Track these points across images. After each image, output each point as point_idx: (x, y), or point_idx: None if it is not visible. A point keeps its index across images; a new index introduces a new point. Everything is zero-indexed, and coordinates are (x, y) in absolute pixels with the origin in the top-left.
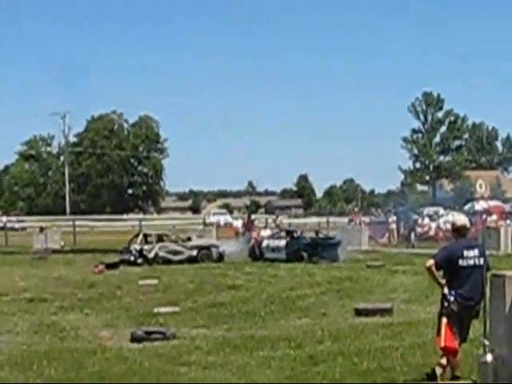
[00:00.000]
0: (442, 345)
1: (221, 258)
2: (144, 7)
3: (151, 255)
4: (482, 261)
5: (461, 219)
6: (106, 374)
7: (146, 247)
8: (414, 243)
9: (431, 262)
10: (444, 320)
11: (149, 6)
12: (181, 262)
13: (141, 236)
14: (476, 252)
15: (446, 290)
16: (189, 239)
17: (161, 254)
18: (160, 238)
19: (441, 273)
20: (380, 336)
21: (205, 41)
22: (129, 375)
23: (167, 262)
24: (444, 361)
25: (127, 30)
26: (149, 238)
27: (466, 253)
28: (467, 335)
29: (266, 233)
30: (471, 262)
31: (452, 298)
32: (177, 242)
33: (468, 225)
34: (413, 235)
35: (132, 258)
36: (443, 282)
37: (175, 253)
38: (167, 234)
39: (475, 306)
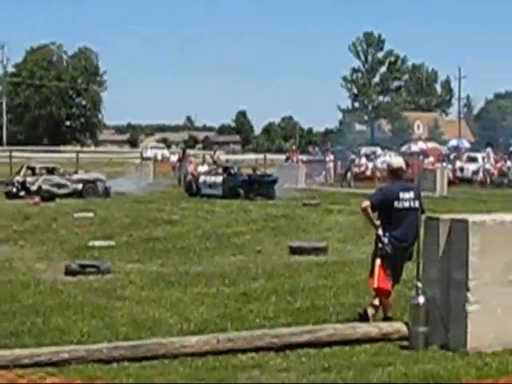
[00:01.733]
0: (375, 286)
1: (107, 193)
2: None
3: (34, 188)
4: (417, 203)
5: (397, 161)
6: (39, 306)
7: (29, 180)
8: (351, 183)
9: (367, 203)
10: (378, 261)
11: None
12: (65, 195)
13: (24, 168)
14: (412, 194)
15: (380, 232)
16: (75, 173)
17: (44, 187)
18: (46, 171)
19: (376, 214)
20: (314, 275)
21: None
22: (62, 308)
23: (51, 195)
24: (377, 302)
25: None
26: (35, 171)
27: (401, 195)
28: (400, 277)
29: (203, 168)
30: (406, 205)
31: (386, 240)
32: (63, 176)
33: (404, 167)
34: (349, 175)
35: (14, 190)
36: (378, 223)
37: (59, 186)
38: (55, 168)
39: (409, 248)
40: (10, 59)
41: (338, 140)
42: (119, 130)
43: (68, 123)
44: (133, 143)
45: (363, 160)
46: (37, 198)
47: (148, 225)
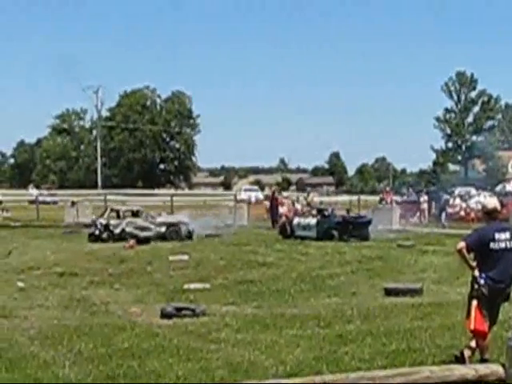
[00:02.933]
0: (472, 328)
1: (190, 235)
2: None
3: (117, 230)
4: None
5: (491, 202)
6: (135, 350)
7: (112, 222)
8: (445, 223)
9: (462, 244)
10: (474, 303)
11: None
12: (148, 238)
13: (108, 211)
14: (507, 235)
15: (476, 273)
16: (159, 215)
17: (128, 229)
18: (130, 214)
19: (471, 255)
20: (409, 317)
21: (236, 17)
22: (158, 351)
23: (134, 237)
24: (473, 343)
25: (159, 6)
26: (119, 214)
27: (497, 236)
28: (497, 318)
29: (298, 206)
30: (502, 245)
31: (482, 281)
32: (147, 219)
33: (499, 207)
34: (444, 215)
35: (97, 232)
36: (474, 264)
37: (143, 229)
38: (139, 210)
39: (506, 289)
40: (104, 103)
41: (431, 180)
42: (213, 172)
43: (162, 166)
44: (227, 186)
45: (457, 200)
46: (132, 241)
47: (243, 267)
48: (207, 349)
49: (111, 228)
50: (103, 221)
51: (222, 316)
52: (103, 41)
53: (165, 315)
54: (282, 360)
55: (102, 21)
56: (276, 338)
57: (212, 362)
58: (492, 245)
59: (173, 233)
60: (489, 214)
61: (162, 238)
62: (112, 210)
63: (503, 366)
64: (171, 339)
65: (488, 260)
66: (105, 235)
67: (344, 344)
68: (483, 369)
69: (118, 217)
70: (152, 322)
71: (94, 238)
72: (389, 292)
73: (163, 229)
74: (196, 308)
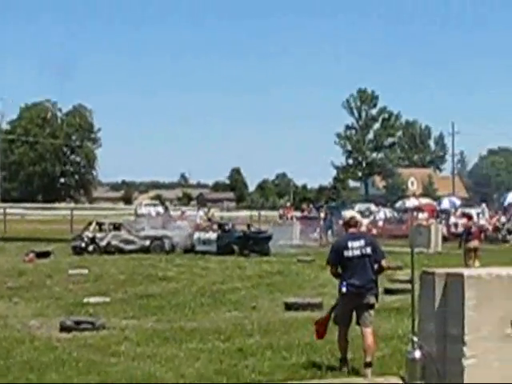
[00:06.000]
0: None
1: (173, 249)
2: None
3: (103, 243)
4: (368, 250)
5: (349, 212)
6: (34, 363)
7: (98, 235)
8: (330, 240)
9: (328, 267)
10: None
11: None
12: (132, 251)
13: (94, 224)
14: (362, 242)
15: (339, 283)
16: (142, 229)
17: (113, 242)
18: (114, 227)
19: None
20: (309, 331)
21: (133, 26)
22: (57, 365)
23: (119, 251)
24: (368, 359)
25: (61, 21)
26: (102, 227)
27: (350, 244)
28: (367, 321)
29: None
30: (357, 252)
31: (344, 289)
32: (130, 232)
33: (356, 216)
34: (329, 232)
35: (83, 245)
36: None
37: (128, 242)
38: (121, 224)
39: (367, 293)
40: (4, 116)
41: (332, 196)
42: (114, 187)
43: (62, 180)
44: (127, 200)
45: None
46: (31, 255)
47: (143, 281)
48: (107, 362)
49: (97, 241)
50: (90, 234)
51: (122, 329)
52: (4, 53)
53: (64, 328)
54: (182, 373)
55: (4, 32)
56: (176, 352)
57: (112, 374)
58: (346, 253)
59: (157, 246)
60: (347, 224)
61: (146, 251)
62: (97, 223)
63: (402, 378)
64: (70, 352)
65: (347, 268)
66: (91, 248)
67: (244, 357)
68: (382, 381)
69: (101, 230)
70: (51, 335)
71: (79, 251)
72: (289, 306)
73: (147, 242)
74: (95, 321)
